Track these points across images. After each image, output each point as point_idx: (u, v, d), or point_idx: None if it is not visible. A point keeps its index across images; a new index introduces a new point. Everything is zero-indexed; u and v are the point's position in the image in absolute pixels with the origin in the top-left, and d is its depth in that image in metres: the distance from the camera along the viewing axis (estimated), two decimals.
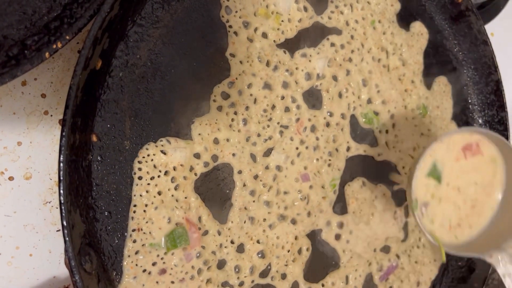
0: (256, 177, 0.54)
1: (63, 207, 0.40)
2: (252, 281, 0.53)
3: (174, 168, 0.50)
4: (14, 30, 0.43)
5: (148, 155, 0.49)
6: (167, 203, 0.49)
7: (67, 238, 0.40)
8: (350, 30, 0.62)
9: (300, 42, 0.59)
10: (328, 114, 0.60)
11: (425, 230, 0.56)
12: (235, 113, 0.54)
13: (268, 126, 0.55)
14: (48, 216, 0.55)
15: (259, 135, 0.55)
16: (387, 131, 0.65)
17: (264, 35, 0.56)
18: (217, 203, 0.52)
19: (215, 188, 0.52)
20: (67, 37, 0.43)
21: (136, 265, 0.47)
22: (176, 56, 0.51)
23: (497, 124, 0.73)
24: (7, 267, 0.53)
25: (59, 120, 0.55)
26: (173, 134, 0.50)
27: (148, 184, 0.48)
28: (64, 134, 0.40)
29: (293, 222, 0.56)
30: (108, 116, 0.47)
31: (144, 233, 0.48)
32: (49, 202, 0.55)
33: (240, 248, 0.53)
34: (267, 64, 0.56)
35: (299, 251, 0.57)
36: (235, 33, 0.54)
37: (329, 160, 0.59)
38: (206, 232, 0.51)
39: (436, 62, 0.70)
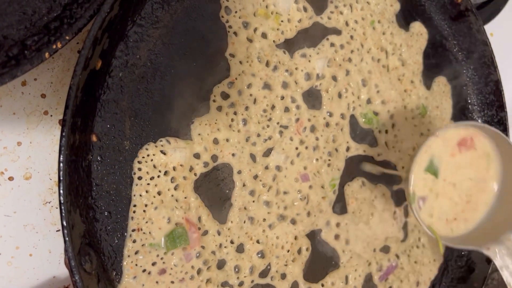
0: (255, 177, 0.54)
1: (63, 207, 0.40)
2: (252, 281, 0.53)
3: (174, 168, 0.50)
4: (14, 30, 0.43)
5: (148, 155, 0.49)
6: (166, 203, 0.49)
7: (67, 238, 0.40)
8: (350, 30, 0.62)
9: (300, 42, 0.59)
10: (328, 114, 0.60)
11: (422, 222, 0.57)
12: (235, 113, 0.54)
13: (268, 126, 0.56)
14: (48, 216, 0.55)
15: (258, 135, 0.55)
16: (386, 131, 0.65)
17: (264, 35, 0.56)
18: (217, 203, 0.52)
19: (214, 188, 0.52)
20: (67, 37, 0.43)
21: (136, 265, 0.47)
22: (175, 56, 0.51)
23: (496, 124, 0.73)
24: (7, 267, 0.53)
25: (59, 120, 0.55)
26: (172, 134, 0.50)
27: (148, 184, 0.49)
28: (64, 134, 0.41)
29: (293, 222, 0.57)
30: (108, 116, 0.47)
31: (144, 233, 0.48)
32: (49, 202, 0.55)
33: (240, 248, 0.53)
34: (267, 64, 0.56)
35: (299, 251, 0.57)
36: (235, 33, 0.54)
37: (329, 160, 0.59)
38: (205, 232, 0.51)
39: (435, 62, 0.71)
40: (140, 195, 0.48)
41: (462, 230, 0.60)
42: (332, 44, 0.61)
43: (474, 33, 0.71)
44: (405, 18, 0.68)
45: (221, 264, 0.52)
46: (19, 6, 0.44)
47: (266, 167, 0.55)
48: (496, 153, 0.60)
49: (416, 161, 0.56)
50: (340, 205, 0.60)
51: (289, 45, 0.58)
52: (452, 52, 0.73)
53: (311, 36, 0.59)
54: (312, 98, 0.59)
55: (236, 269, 0.53)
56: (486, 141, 0.59)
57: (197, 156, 0.51)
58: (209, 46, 0.53)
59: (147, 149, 0.49)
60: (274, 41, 0.57)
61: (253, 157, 0.55)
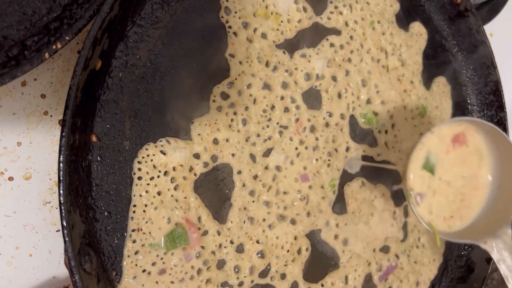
0: (255, 177, 0.54)
1: (63, 207, 0.40)
2: (252, 281, 0.54)
3: (174, 168, 0.50)
4: (14, 31, 0.43)
5: (148, 155, 0.49)
6: (166, 203, 0.49)
7: (67, 238, 0.40)
8: (349, 31, 0.62)
9: (300, 42, 0.59)
10: (328, 114, 0.60)
11: (420, 217, 0.57)
12: (235, 113, 0.54)
13: (268, 126, 0.56)
14: (48, 216, 0.55)
15: (258, 135, 0.55)
16: (386, 131, 0.65)
17: (264, 36, 0.56)
18: (217, 203, 0.52)
19: (214, 188, 0.52)
20: (67, 38, 0.44)
21: (136, 265, 0.47)
22: (175, 57, 0.51)
23: (496, 124, 0.73)
24: (7, 267, 0.53)
25: (59, 120, 0.55)
26: (172, 135, 0.50)
27: (148, 184, 0.49)
28: (64, 134, 0.41)
29: (293, 222, 0.57)
30: (107, 116, 0.47)
31: (143, 233, 0.48)
32: (49, 202, 0.55)
33: (240, 248, 0.53)
34: (267, 64, 0.56)
35: (299, 251, 0.57)
36: (235, 33, 0.54)
37: (329, 160, 0.60)
38: (205, 232, 0.51)
39: (435, 62, 0.71)
40: (140, 195, 0.48)
41: (458, 227, 0.60)
42: (331, 45, 0.61)
43: (474, 33, 0.71)
44: (404, 19, 0.68)
45: (221, 264, 0.52)
46: (19, 6, 0.44)
47: (266, 167, 0.55)
48: (489, 148, 0.60)
49: (412, 157, 0.56)
50: (339, 205, 0.60)
51: (289, 45, 0.58)
52: (452, 52, 0.73)
53: (310, 37, 0.60)
54: (312, 98, 0.59)
55: (236, 269, 0.53)
56: (479, 137, 0.59)
57: (197, 156, 0.51)
58: (209, 47, 0.53)
59: (147, 149, 0.49)
60: (274, 41, 0.57)
61: (253, 157, 0.55)
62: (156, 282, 0.48)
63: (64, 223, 0.40)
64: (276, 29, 0.57)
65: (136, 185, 0.48)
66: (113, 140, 0.47)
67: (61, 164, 0.40)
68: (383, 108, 0.64)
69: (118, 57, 0.48)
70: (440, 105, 0.70)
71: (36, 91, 0.54)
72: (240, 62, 0.54)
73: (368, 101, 0.63)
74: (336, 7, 0.62)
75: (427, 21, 0.70)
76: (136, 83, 0.49)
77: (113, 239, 0.47)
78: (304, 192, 0.57)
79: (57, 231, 0.55)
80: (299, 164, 0.57)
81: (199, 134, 0.52)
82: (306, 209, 0.57)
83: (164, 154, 0.50)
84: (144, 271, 0.47)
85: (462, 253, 0.71)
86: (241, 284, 0.53)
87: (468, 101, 0.74)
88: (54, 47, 0.43)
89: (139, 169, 0.48)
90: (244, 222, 0.53)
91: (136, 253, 0.47)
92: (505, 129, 0.72)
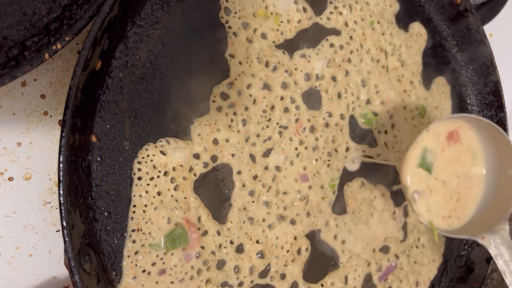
0: (255, 177, 0.54)
1: (62, 208, 0.40)
2: (252, 281, 0.54)
3: (174, 169, 0.50)
4: (14, 31, 0.43)
5: (148, 156, 0.49)
6: (166, 204, 0.49)
7: (66, 239, 0.40)
8: (349, 31, 0.63)
9: (299, 42, 0.59)
10: (327, 114, 0.60)
11: (417, 212, 0.57)
12: (235, 113, 0.54)
13: (268, 126, 0.56)
14: (48, 216, 0.55)
15: (258, 135, 0.55)
16: (386, 132, 0.65)
17: (263, 36, 0.56)
18: (217, 204, 0.52)
19: (214, 188, 0.52)
20: (67, 38, 0.44)
21: (136, 265, 0.47)
22: (175, 57, 0.51)
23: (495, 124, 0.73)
24: (7, 267, 0.53)
25: (58, 120, 0.55)
26: (172, 135, 0.50)
27: (148, 184, 0.49)
28: (63, 134, 0.41)
29: (292, 222, 0.57)
30: (107, 116, 0.47)
31: (143, 233, 0.48)
32: (49, 203, 0.55)
33: (240, 248, 0.53)
34: (266, 64, 0.56)
35: (298, 251, 0.57)
36: (235, 34, 0.54)
37: (328, 160, 0.60)
38: (205, 233, 0.51)
39: (434, 62, 0.71)
40: (140, 196, 0.48)
41: (456, 226, 0.61)
42: (331, 45, 0.61)
43: (473, 34, 0.71)
44: (404, 19, 0.68)
45: (220, 265, 0.52)
46: (19, 7, 0.44)
47: (266, 168, 0.55)
48: (483, 146, 0.60)
49: (408, 155, 0.56)
50: (339, 205, 0.60)
51: (289, 46, 0.58)
52: (451, 52, 0.73)
53: (310, 37, 0.60)
54: (312, 98, 0.59)
55: (236, 270, 0.53)
56: (473, 134, 0.60)
57: (196, 156, 0.51)
58: (208, 47, 0.53)
59: (146, 150, 0.49)
60: (273, 41, 0.57)
61: (252, 157, 0.55)
62: (156, 282, 0.48)
63: (64, 223, 0.40)
64: (276, 29, 0.57)
65: (136, 185, 0.48)
66: (113, 140, 0.48)
67: (61, 165, 0.40)
68: (383, 108, 0.64)
69: (118, 57, 0.48)
70: (440, 105, 0.70)
71: (36, 91, 0.54)
72: (240, 63, 0.54)
73: (368, 101, 0.63)
74: (335, 8, 0.62)
75: (427, 21, 0.70)
76: (136, 83, 0.49)
77: (113, 239, 0.47)
78: (304, 192, 0.57)
79: (57, 231, 0.55)
80: (299, 164, 0.57)
81: (199, 134, 0.52)
82: (306, 209, 0.58)
83: (164, 154, 0.50)
84: (144, 271, 0.48)
85: (462, 253, 0.71)
86: (241, 284, 0.53)
87: (468, 101, 0.74)
88: (54, 47, 0.43)
89: (139, 170, 0.48)
90: (244, 222, 0.54)
91: (136, 253, 0.47)
92: (505, 129, 0.72)
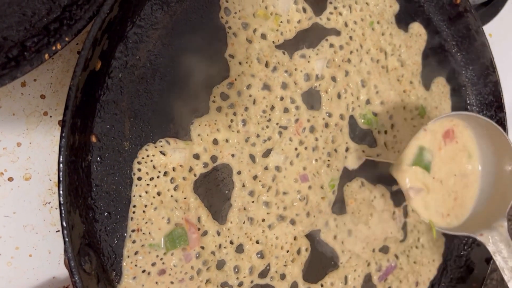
0: (255, 177, 0.54)
1: (62, 208, 0.40)
2: (251, 282, 0.54)
3: (174, 169, 0.50)
4: (14, 32, 0.43)
5: (148, 156, 0.49)
6: (166, 204, 0.49)
7: (66, 239, 0.40)
8: (349, 31, 0.63)
9: (299, 43, 0.59)
10: (327, 114, 0.60)
11: (414, 208, 0.58)
12: (234, 113, 0.54)
13: (267, 126, 0.56)
14: (48, 216, 0.55)
15: (258, 135, 0.55)
16: (385, 132, 0.65)
17: (263, 36, 0.56)
18: (217, 204, 0.52)
19: (214, 188, 0.52)
20: (67, 39, 0.44)
21: (136, 265, 0.47)
22: (175, 57, 0.51)
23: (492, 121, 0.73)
24: (7, 268, 0.53)
25: (58, 121, 0.55)
26: (172, 135, 0.50)
27: (148, 184, 0.49)
28: (63, 135, 0.41)
29: (292, 222, 0.57)
30: (107, 117, 0.47)
31: (143, 233, 0.48)
32: (49, 203, 0.55)
33: (239, 249, 0.53)
34: (266, 65, 0.56)
35: (298, 252, 0.57)
36: (234, 34, 0.54)
37: (328, 160, 0.60)
38: (205, 233, 0.51)
39: (434, 63, 0.71)
40: (140, 196, 0.48)
41: (455, 224, 0.61)
42: (331, 45, 0.61)
43: (473, 34, 0.71)
44: (404, 19, 0.68)
45: (220, 265, 0.52)
46: (19, 7, 0.44)
47: (266, 168, 0.55)
48: (479, 144, 0.60)
49: (406, 154, 0.56)
50: (339, 206, 0.60)
51: (289, 46, 0.58)
52: (451, 52, 0.73)
53: (310, 37, 0.60)
54: (312, 98, 0.59)
55: (236, 270, 0.53)
56: (468, 133, 0.60)
57: (196, 156, 0.51)
58: (208, 47, 0.53)
59: (146, 150, 0.49)
60: (273, 42, 0.57)
61: (252, 157, 0.55)
62: (156, 283, 0.48)
63: (64, 224, 0.40)
64: (275, 29, 0.57)
65: (136, 185, 0.48)
66: (112, 140, 0.48)
67: (61, 165, 0.40)
68: (383, 108, 0.65)
69: (117, 57, 0.48)
70: (440, 105, 0.71)
71: (35, 91, 0.54)
72: (240, 63, 0.54)
73: (368, 102, 0.63)
74: (335, 8, 0.62)
75: (427, 21, 0.71)
76: (136, 83, 0.49)
77: (112, 239, 0.47)
78: (304, 193, 0.57)
79: (57, 231, 0.55)
80: (299, 164, 0.57)
81: (198, 135, 0.52)
82: (306, 209, 0.58)
83: (164, 154, 0.50)
84: (143, 271, 0.48)
85: (462, 253, 0.71)
86: (240, 284, 0.53)
87: (468, 102, 0.74)
88: (53, 48, 0.43)
89: (139, 170, 0.48)
90: (244, 222, 0.54)
91: (135, 253, 0.47)
92: (504, 129, 0.72)
